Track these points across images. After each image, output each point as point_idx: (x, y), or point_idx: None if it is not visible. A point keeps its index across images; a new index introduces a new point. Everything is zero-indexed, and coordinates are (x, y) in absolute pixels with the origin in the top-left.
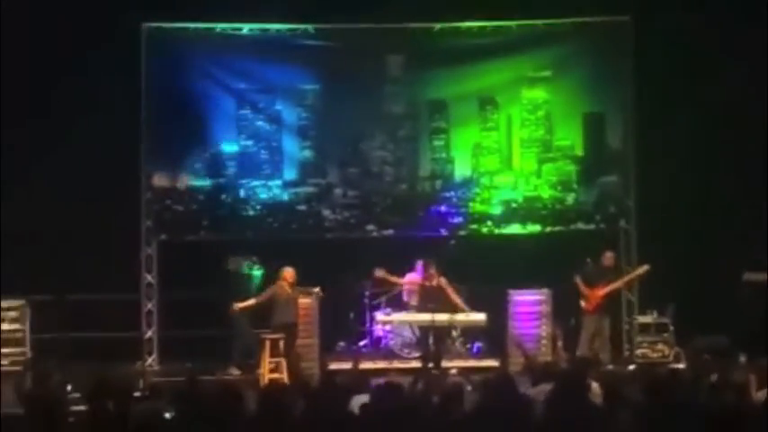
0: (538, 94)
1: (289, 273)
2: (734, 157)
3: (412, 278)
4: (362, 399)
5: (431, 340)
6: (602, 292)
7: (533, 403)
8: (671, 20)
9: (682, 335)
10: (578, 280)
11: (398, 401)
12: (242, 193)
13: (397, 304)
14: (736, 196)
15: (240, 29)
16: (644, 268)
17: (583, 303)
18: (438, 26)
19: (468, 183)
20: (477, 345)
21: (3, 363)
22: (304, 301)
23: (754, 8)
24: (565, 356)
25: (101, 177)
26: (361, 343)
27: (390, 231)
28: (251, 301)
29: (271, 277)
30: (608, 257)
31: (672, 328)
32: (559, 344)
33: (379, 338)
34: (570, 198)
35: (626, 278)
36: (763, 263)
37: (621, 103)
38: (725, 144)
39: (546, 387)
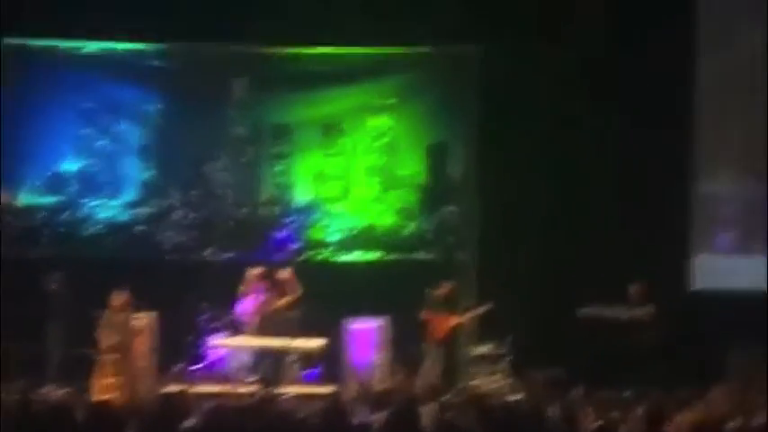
0: (382, 121)
1: (119, 296)
2: (576, 190)
3: (250, 302)
4: (194, 422)
5: (267, 365)
6: (451, 323)
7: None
8: (518, 50)
9: (519, 366)
10: (426, 311)
11: (231, 425)
12: (82, 212)
13: (235, 328)
14: (576, 229)
15: (84, 47)
16: (487, 307)
17: (430, 333)
18: (285, 51)
19: (308, 209)
20: (314, 371)
21: None
22: (140, 323)
23: (598, 38)
24: (401, 385)
25: None
26: (197, 366)
27: (230, 255)
28: None
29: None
30: (445, 288)
31: (509, 359)
32: (394, 373)
33: (216, 362)
34: (410, 227)
35: (473, 314)
36: (603, 297)
37: (465, 133)
38: (567, 177)
39: (381, 415)
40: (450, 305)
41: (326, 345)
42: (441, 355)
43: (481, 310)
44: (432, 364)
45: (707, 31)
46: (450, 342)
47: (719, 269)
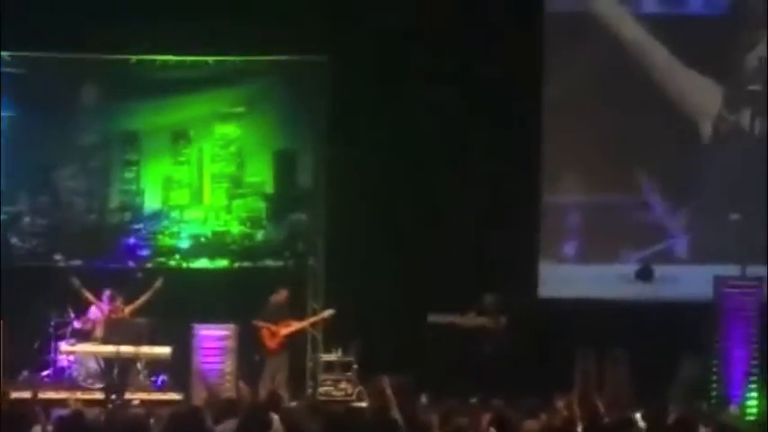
0: (230, 129)
1: None
2: (426, 198)
3: (98, 309)
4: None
5: (115, 372)
6: (284, 331)
7: None
8: (365, 61)
9: (366, 373)
10: (259, 319)
11: None
12: None
13: (83, 335)
14: (427, 237)
15: None
16: (328, 312)
17: (264, 341)
18: (134, 58)
19: (157, 216)
20: (162, 378)
21: None
22: None
23: (446, 51)
24: (248, 392)
25: None
26: (45, 373)
27: (78, 262)
28: None
29: None
30: (282, 295)
31: (356, 366)
32: (241, 381)
33: (63, 368)
34: (259, 234)
35: (310, 320)
36: (452, 304)
37: (314, 142)
38: (417, 185)
39: (229, 423)
40: (287, 312)
41: (174, 351)
42: (279, 363)
43: (320, 316)
44: (272, 371)
45: (553, 49)
46: (285, 349)
47: (565, 277)
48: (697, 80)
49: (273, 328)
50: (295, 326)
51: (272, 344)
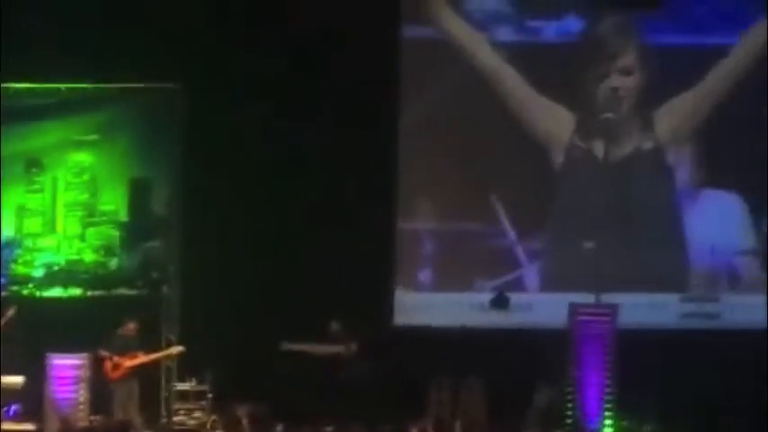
0: (84, 157)
1: None
2: (280, 225)
3: None
4: None
5: None
6: (128, 363)
7: None
8: (219, 89)
9: (221, 402)
10: (102, 350)
11: None
12: None
13: None
14: (278, 266)
15: None
16: (176, 349)
17: (106, 372)
18: None
19: (10, 244)
20: (14, 407)
21: None
22: None
23: (300, 75)
24: (101, 421)
25: None
26: None
27: None
28: None
29: None
30: (129, 328)
31: (210, 395)
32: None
33: None
34: (113, 263)
35: (156, 356)
36: (307, 332)
37: (168, 170)
38: (271, 213)
39: None
40: (134, 343)
41: (27, 381)
42: (128, 391)
43: (167, 352)
44: (121, 400)
45: (409, 76)
46: (131, 378)
47: (419, 305)
48: (550, 108)
49: (116, 359)
50: (141, 359)
51: (114, 374)
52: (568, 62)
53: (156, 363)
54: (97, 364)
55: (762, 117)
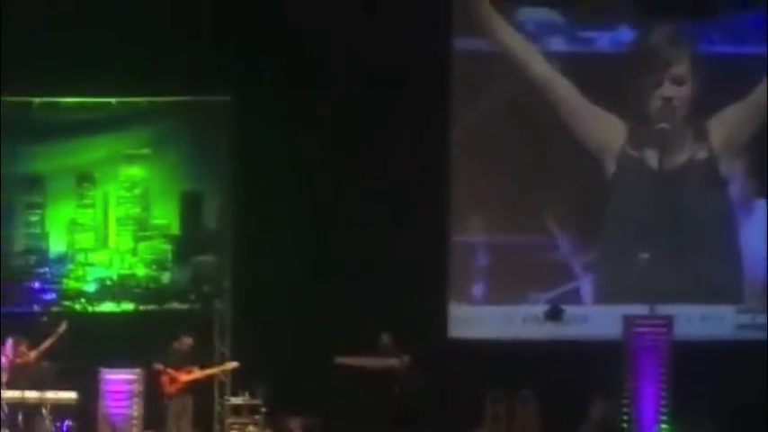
0: (135, 171)
1: None
2: (331, 240)
3: (2, 354)
4: None
5: (20, 418)
6: (185, 377)
7: None
8: (270, 102)
9: (274, 417)
10: (158, 364)
11: None
12: None
13: None
14: (331, 279)
15: None
16: (232, 365)
17: (163, 386)
18: (37, 100)
19: (62, 259)
20: (67, 423)
21: None
22: None
23: (354, 92)
24: None
25: None
26: None
27: None
28: None
29: None
30: (184, 342)
31: (264, 409)
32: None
33: None
34: (165, 277)
35: (211, 371)
36: (361, 346)
37: (219, 183)
38: (323, 227)
39: None
40: (189, 358)
41: (80, 396)
42: (182, 406)
43: (222, 367)
44: (175, 415)
45: (461, 88)
46: (186, 393)
47: (474, 317)
48: (602, 117)
49: (173, 373)
50: (197, 374)
51: (170, 389)
52: (621, 72)
53: (209, 377)
54: (153, 378)
55: None
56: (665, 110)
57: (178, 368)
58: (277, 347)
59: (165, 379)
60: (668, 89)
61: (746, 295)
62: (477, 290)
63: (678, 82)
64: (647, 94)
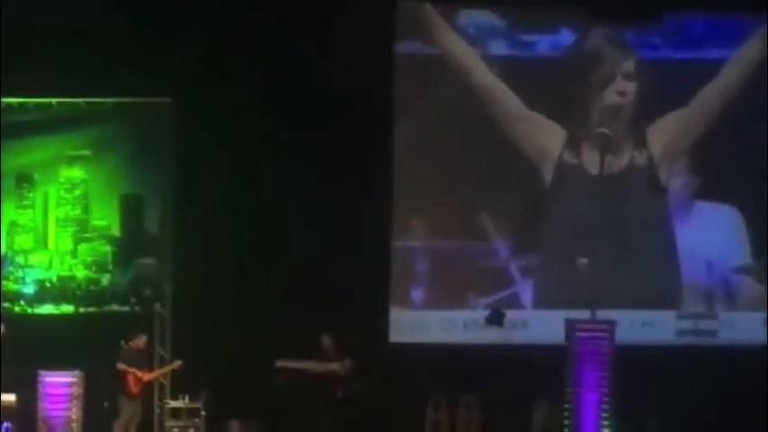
0: (76, 173)
1: None
2: (274, 241)
3: None
4: None
5: None
6: (147, 377)
7: None
8: (212, 104)
9: (214, 420)
10: (121, 363)
11: None
12: None
13: None
14: (274, 281)
15: None
16: (176, 364)
17: (129, 386)
18: None
19: (1, 261)
20: (6, 425)
21: None
22: None
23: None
24: None
25: None
26: None
27: None
28: None
29: None
30: (140, 341)
31: (204, 413)
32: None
33: None
34: (105, 279)
35: (163, 370)
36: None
37: (161, 185)
38: (264, 228)
39: None
40: (145, 358)
41: (19, 399)
42: (136, 408)
43: (170, 367)
44: (127, 417)
45: (402, 92)
46: (145, 395)
47: (415, 322)
48: (541, 124)
49: (138, 373)
50: (155, 373)
51: (134, 389)
52: (562, 76)
53: (162, 377)
54: (116, 377)
55: (756, 131)
56: (608, 113)
57: (139, 368)
58: (218, 350)
59: (131, 378)
60: (621, 84)
61: (687, 301)
62: (418, 294)
63: (629, 78)
64: (588, 98)
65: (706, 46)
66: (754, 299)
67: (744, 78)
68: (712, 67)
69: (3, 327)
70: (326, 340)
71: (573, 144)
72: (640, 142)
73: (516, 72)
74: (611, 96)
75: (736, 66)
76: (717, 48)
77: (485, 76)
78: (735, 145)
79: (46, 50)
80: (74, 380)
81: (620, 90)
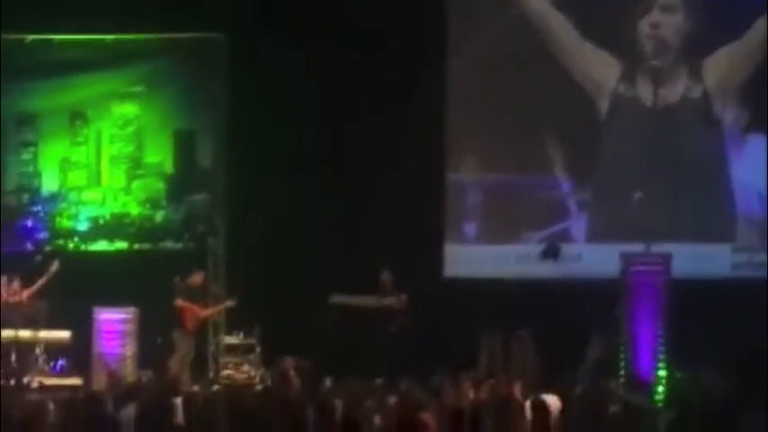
0: (128, 109)
1: None
2: (326, 177)
3: None
4: None
5: (13, 356)
6: (204, 313)
7: (120, 424)
8: (264, 40)
9: (269, 356)
10: (179, 300)
11: None
12: None
13: None
14: (326, 219)
15: None
16: (229, 303)
17: (186, 322)
18: (29, 38)
19: (55, 197)
20: (61, 362)
21: None
22: None
23: (348, 33)
24: (149, 377)
25: None
26: None
27: None
28: None
29: None
30: (197, 277)
31: (258, 349)
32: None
33: None
34: (159, 216)
35: (219, 307)
36: (356, 285)
37: (213, 122)
38: (317, 166)
39: (132, 407)
40: (202, 294)
41: (73, 336)
42: (191, 345)
43: (222, 306)
44: (183, 353)
45: (455, 25)
46: (200, 332)
47: (468, 257)
48: (596, 55)
49: (196, 308)
50: (212, 310)
51: (191, 325)
52: (614, 8)
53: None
54: (174, 313)
55: None
56: (657, 44)
57: (196, 304)
58: (272, 287)
59: (188, 313)
60: (656, 15)
61: (741, 234)
62: (471, 229)
63: (668, 9)
64: (640, 30)
65: None
66: None
67: None
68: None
69: (57, 263)
70: (385, 275)
71: (628, 76)
72: (696, 75)
73: (570, 3)
74: (656, 17)
75: None
76: None
77: (539, 5)
78: None
79: None
80: (128, 316)
81: (654, 22)
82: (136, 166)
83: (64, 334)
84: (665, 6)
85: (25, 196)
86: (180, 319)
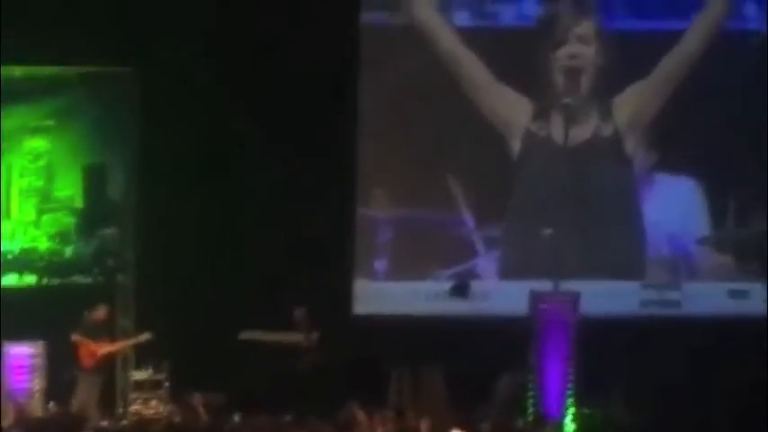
0: (39, 143)
1: None
2: (238, 215)
3: None
4: None
5: None
6: (101, 350)
7: None
8: (176, 73)
9: (178, 392)
10: (78, 335)
11: None
12: None
13: None
14: (237, 253)
15: None
16: (145, 336)
17: (82, 359)
18: None
19: None
20: None
21: None
22: None
23: (259, 60)
24: (57, 412)
25: None
26: None
27: None
28: None
29: None
30: (101, 311)
31: (167, 384)
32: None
33: None
34: (68, 250)
35: (126, 343)
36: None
37: (124, 155)
38: (229, 200)
39: None
40: (105, 329)
41: None
42: (93, 381)
43: (136, 339)
44: (85, 389)
45: (368, 63)
46: (104, 367)
47: (378, 293)
48: (507, 94)
49: (93, 345)
50: (113, 346)
51: (89, 362)
52: (527, 46)
53: (122, 351)
54: (69, 349)
55: (719, 103)
56: (570, 80)
57: (95, 340)
58: (181, 322)
59: (83, 351)
60: (574, 47)
61: (650, 272)
62: (381, 265)
63: (584, 41)
64: (554, 65)
65: (664, 16)
66: (716, 269)
67: (702, 48)
68: (671, 37)
69: None
70: (299, 312)
71: (541, 115)
72: (606, 113)
73: (481, 43)
74: (574, 48)
75: (694, 35)
76: (675, 17)
77: (451, 45)
78: (694, 116)
79: (9, 20)
80: (36, 351)
81: (573, 53)
82: (45, 201)
83: None
84: (581, 37)
85: None
86: (77, 354)
